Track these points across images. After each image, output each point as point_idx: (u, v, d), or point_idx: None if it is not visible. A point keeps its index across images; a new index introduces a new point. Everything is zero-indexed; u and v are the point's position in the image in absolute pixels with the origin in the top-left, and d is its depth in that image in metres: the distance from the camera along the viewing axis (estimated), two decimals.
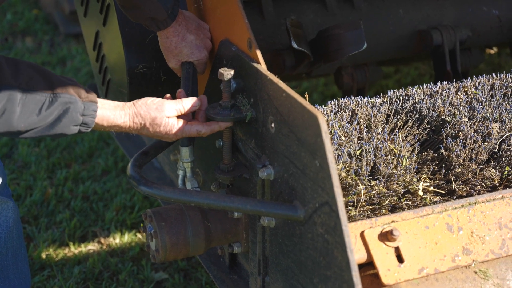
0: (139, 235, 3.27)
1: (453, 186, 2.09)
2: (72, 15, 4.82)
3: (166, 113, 2.01)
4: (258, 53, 2.03)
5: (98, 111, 1.94)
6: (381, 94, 2.31)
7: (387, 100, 2.27)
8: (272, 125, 1.95)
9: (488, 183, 2.12)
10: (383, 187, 2.05)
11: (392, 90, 2.31)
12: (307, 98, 2.19)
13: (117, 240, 3.25)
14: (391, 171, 2.05)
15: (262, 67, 2.01)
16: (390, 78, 4.33)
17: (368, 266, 1.90)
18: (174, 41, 2.18)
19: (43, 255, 3.16)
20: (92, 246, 3.23)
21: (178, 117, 2.04)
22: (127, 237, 3.26)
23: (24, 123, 1.84)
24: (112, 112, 1.97)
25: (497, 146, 2.14)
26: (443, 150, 2.12)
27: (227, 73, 2.04)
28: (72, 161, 3.76)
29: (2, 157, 3.78)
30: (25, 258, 2.53)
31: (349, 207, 2.02)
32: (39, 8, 5.27)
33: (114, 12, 2.43)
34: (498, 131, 2.17)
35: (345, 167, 2.03)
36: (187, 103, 2.05)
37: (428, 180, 2.10)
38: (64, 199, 3.50)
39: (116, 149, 3.81)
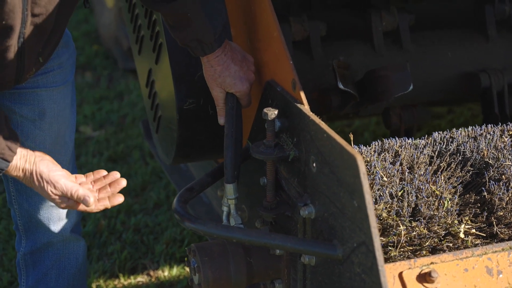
0: (187, 269, 3.32)
1: (495, 229, 2.09)
2: (130, 51, 4.94)
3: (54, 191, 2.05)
4: (302, 94, 2.08)
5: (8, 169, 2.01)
6: (426, 136, 2.33)
7: (431, 142, 2.29)
8: (314, 164, 1.99)
9: None
10: (424, 229, 2.06)
11: (436, 132, 2.33)
12: (352, 139, 2.22)
13: (166, 273, 3.31)
14: (432, 212, 2.07)
15: (305, 107, 2.06)
16: (443, 119, 4.33)
17: None
18: (218, 70, 2.22)
19: (94, 286, 3.23)
20: (141, 278, 3.29)
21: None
22: (175, 270, 3.32)
23: None
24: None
25: None
26: (485, 193, 2.12)
27: (271, 113, 2.09)
28: (126, 194, 3.84)
29: None
30: None
31: (390, 248, 2.04)
32: (99, 44, 5.42)
33: (166, 50, 2.50)
34: None
35: (386, 207, 2.06)
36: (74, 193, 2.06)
37: (470, 223, 2.10)
38: (116, 231, 3.58)
39: (169, 183, 3.89)
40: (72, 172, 2.45)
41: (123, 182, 2.09)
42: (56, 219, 2.41)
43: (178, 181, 3.26)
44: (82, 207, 2.04)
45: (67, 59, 2.36)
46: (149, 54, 2.72)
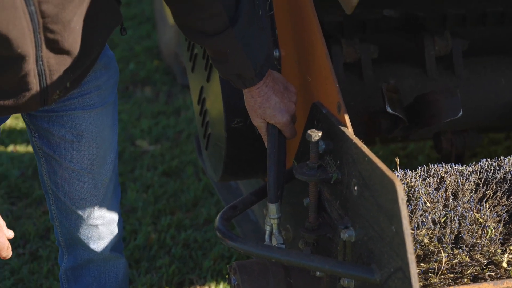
0: None
1: None
2: None
3: None
4: (346, 116, 2.08)
5: None
6: (473, 163, 2.30)
7: (477, 169, 2.26)
8: (355, 188, 1.99)
9: None
10: (466, 256, 2.04)
11: (484, 159, 2.30)
12: (398, 162, 2.22)
13: None
14: (475, 240, 2.05)
15: (349, 130, 2.06)
16: (500, 145, 4.27)
17: None
18: (259, 101, 2.21)
19: None
20: None
21: None
22: (222, 287, 3.33)
23: None
24: None
25: None
26: None
27: (315, 134, 2.10)
28: (177, 209, 3.89)
29: None
30: None
31: (430, 274, 2.02)
32: (160, 59, 5.50)
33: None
34: None
35: (428, 233, 2.04)
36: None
37: None
38: (166, 245, 3.62)
39: (220, 200, 3.91)
40: (114, 192, 2.48)
41: (10, 233, 2.14)
42: (96, 238, 2.43)
43: (228, 198, 3.28)
44: None
45: (106, 81, 2.32)
46: (201, 72, 2.75)
